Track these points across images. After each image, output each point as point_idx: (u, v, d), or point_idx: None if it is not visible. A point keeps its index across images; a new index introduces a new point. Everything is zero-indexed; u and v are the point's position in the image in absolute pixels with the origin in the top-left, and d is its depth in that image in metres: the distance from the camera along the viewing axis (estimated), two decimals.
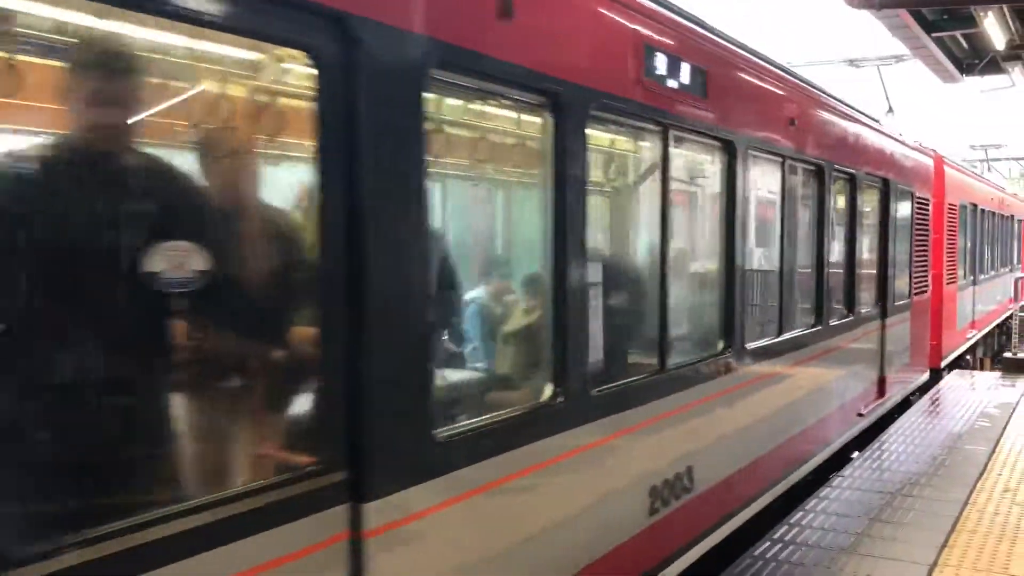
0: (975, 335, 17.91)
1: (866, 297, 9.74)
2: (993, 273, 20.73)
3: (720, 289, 6.18)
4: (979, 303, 18.32)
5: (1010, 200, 24.59)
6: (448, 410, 3.83)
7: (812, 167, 7.96)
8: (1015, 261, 25.52)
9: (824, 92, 8.52)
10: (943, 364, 14.51)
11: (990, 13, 11.99)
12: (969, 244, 17.10)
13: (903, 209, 11.17)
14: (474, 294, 4.93)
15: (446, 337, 4.50)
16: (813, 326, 7.97)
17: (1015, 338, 16.94)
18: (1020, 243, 27.17)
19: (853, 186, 9.06)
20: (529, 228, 4.51)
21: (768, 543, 6.60)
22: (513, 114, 4.67)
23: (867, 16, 12.56)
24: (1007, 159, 46.59)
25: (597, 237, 5.50)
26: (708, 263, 6.44)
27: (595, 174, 5.52)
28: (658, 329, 5.34)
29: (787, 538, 6.70)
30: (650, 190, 5.48)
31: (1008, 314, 21.91)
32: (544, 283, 4.34)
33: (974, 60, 15.69)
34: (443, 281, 4.29)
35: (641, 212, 6.02)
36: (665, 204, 5.35)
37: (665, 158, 5.32)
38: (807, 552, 6.42)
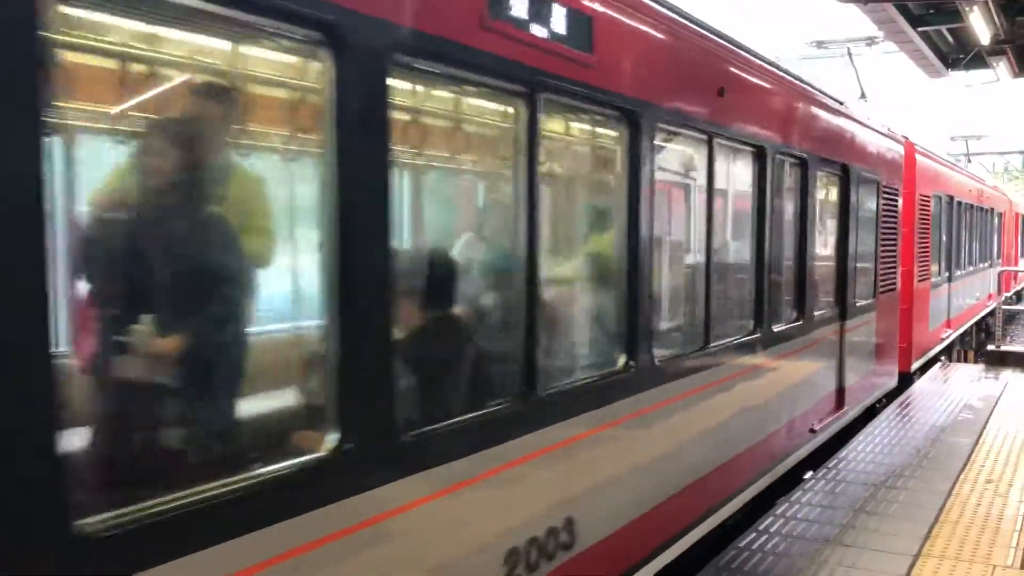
0: (950, 335, 17.02)
1: (821, 297, 8.75)
2: (971, 269, 19.78)
3: (621, 292, 5.11)
4: (955, 301, 17.48)
5: (990, 192, 23.66)
6: None
7: (750, 148, 6.89)
8: (995, 256, 24.48)
9: (766, 60, 7.46)
10: (914, 368, 13.74)
11: (975, 8, 12.03)
12: (944, 238, 16.23)
13: (867, 199, 10.21)
14: None
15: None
16: (751, 333, 6.95)
17: (998, 331, 17.06)
18: (1000, 237, 26.00)
19: (804, 172, 7.97)
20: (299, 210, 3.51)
21: (754, 534, 6.64)
22: (278, 56, 3.46)
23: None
24: (989, 153, 46.82)
25: (410, 235, 4.67)
26: (606, 261, 5.38)
27: (421, 146, 4.74)
28: (525, 341, 4.13)
29: (772, 529, 6.74)
30: (511, 170, 4.22)
31: (988, 311, 21.73)
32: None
33: (959, 55, 15.76)
34: None
35: (495, 200, 5.00)
36: (532, 190, 4.07)
37: (531, 130, 4.07)
38: (792, 543, 6.46)
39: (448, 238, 4.91)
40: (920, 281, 13.86)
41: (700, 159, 6.23)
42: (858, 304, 9.76)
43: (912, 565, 6.01)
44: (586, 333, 5.47)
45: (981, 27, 12.74)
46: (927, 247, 14.35)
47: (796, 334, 7.93)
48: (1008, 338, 20.56)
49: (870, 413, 10.89)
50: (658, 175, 5.41)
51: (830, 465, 8.53)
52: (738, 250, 7.23)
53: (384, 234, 3.19)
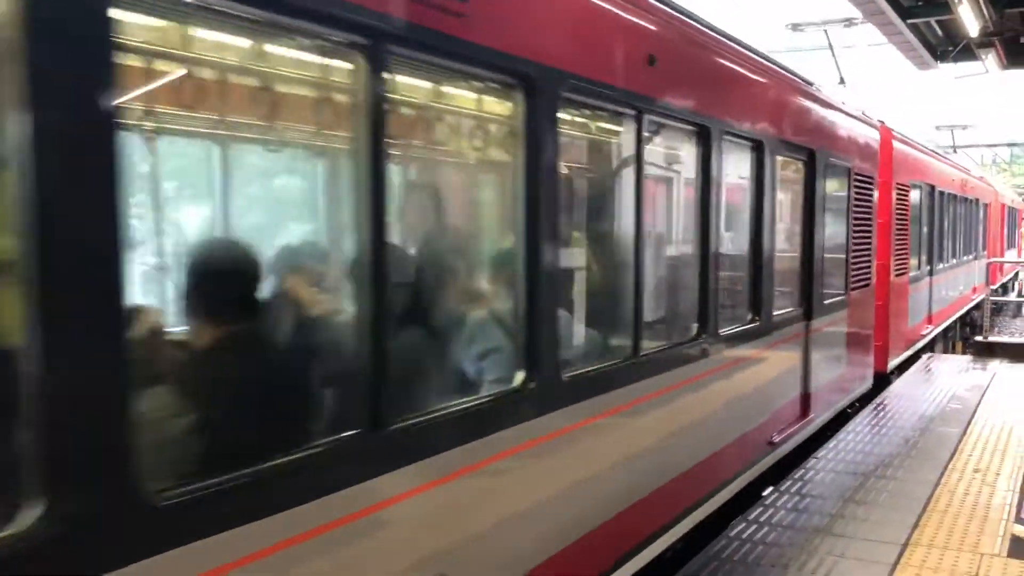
0: (932, 331, 16.23)
1: (781, 295, 7.89)
2: (954, 262, 18.84)
3: (519, 293, 4.22)
4: (937, 295, 16.66)
5: (975, 182, 22.70)
6: None
7: (690, 126, 6.07)
8: (980, 248, 23.51)
9: (712, 27, 6.54)
10: (891, 368, 13.02)
11: (964, 0, 12.07)
12: (925, 230, 15.42)
13: (836, 188, 9.36)
14: None
15: None
16: (693, 339, 6.16)
17: (986, 322, 17.16)
18: (986, 229, 25.00)
19: (760, 156, 7.18)
20: None
21: (744, 524, 6.68)
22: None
23: None
24: (977, 145, 46.99)
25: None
26: (500, 259, 4.66)
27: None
28: (370, 358, 3.28)
29: (762, 519, 6.78)
30: (349, 145, 3.43)
31: (974, 304, 21.37)
32: None
33: (948, 47, 15.80)
34: None
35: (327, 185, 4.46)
36: (377, 174, 3.25)
37: (373, 93, 3.22)
38: (782, 532, 6.50)
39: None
40: (898, 275, 13.11)
41: (627, 138, 5.36)
42: (826, 302, 8.95)
43: (901, 554, 6.06)
44: (473, 347, 4.38)
45: (970, 19, 12.78)
46: (905, 239, 13.54)
47: (750, 337, 7.13)
48: (996, 329, 20.67)
49: (843, 417, 10.27)
50: (569, 157, 4.81)
51: (819, 455, 8.57)
52: (678, 244, 6.53)
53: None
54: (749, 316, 7.17)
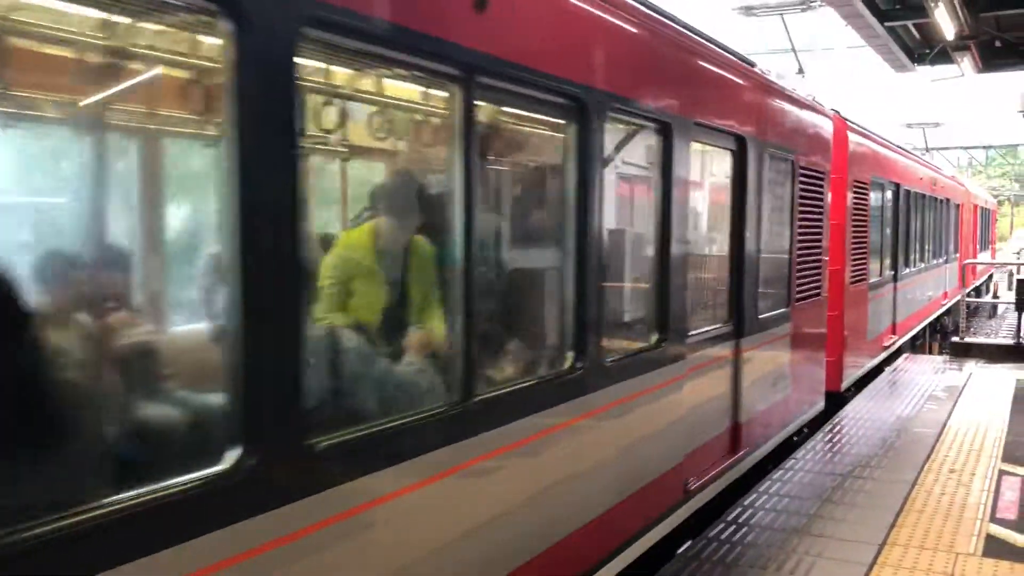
0: (895, 342, 15.01)
1: (700, 311, 6.79)
2: (923, 266, 17.73)
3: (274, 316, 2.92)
4: (903, 303, 15.51)
5: (945, 182, 21.32)
6: None
7: (553, 95, 4.62)
8: (951, 251, 22.28)
9: None
10: (846, 386, 11.73)
11: (940, 4, 12.18)
12: (888, 232, 14.38)
13: (776, 183, 8.02)
14: None
15: None
16: (565, 372, 4.76)
17: (962, 323, 17.33)
18: (958, 231, 23.77)
19: (666, 141, 5.79)
20: None
21: (723, 525, 6.70)
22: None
23: None
24: (954, 148, 47.42)
25: None
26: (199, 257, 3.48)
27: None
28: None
29: (741, 520, 6.81)
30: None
31: (945, 309, 20.83)
32: None
33: (925, 49, 15.94)
34: None
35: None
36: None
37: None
38: (761, 533, 6.53)
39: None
40: (855, 282, 11.99)
41: (452, 108, 3.87)
42: (763, 316, 7.74)
43: (878, 553, 6.10)
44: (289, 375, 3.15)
45: (946, 22, 12.90)
46: (864, 242, 12.35)
47: (653, 364, 5.73)
48: (971, 330, 20.87)
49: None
50: (345, 130, 3.92)
51: (797, 456, 8.62)
52: (542, 249, 5.11)
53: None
54: (654, 337, 5.80)
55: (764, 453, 8.08)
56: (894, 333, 14.98)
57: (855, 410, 10.66)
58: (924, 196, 17.57)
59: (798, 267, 8.65)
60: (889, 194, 14.37)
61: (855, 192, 11.84)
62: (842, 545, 6.28)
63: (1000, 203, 68.83)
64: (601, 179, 4.98)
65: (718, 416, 6.98)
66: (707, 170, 7.09)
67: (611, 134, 5.22)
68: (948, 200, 21.21)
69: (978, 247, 30.26)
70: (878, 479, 7.85)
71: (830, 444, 9.08)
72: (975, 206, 29.31)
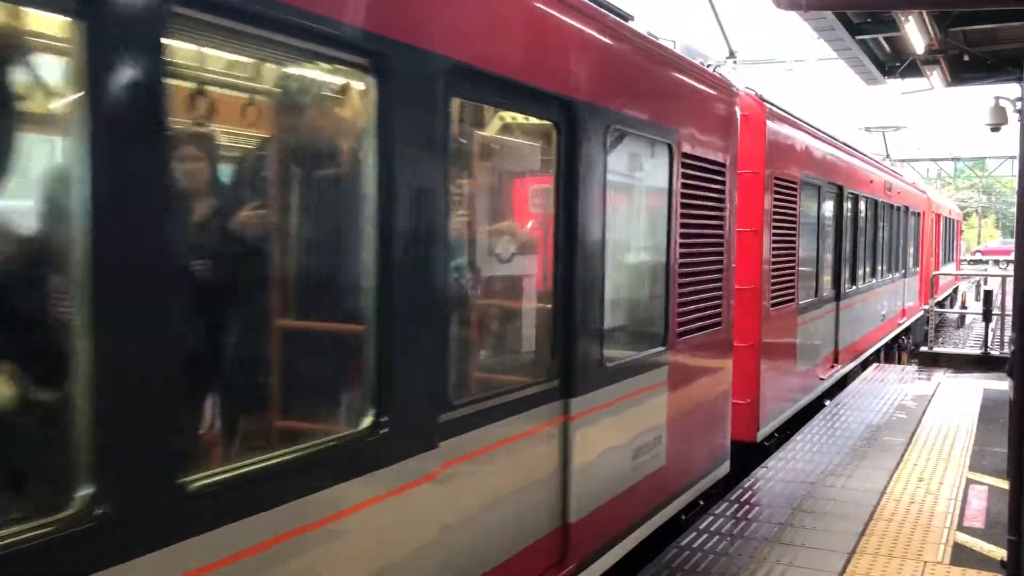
0: (836, 372, 12.82)
1: (481, 365, 4.85)
2: (875, 282, 15.76)
3: None
4: (847, 325, 13.36)
5: (902, 187, 19.09)
6: None
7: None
8: (911, 264, 20.27)
9: None
10: (765, 433, 9.36)
11: (911, 18, 12.34)
12: (829, 242, 12.36)
13: (638, 174, 6.14)
14: None
15: None
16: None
17: (930, 333, 17.54)
18: (918, 242, 21.55)
19: (399, 91, 3.54)
20: None
21: (694, 534, 6.72)
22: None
23: None
24: (923, 159, 48.04)
25: None
26: None
27: None
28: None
29: (712, 528, 6.83)
30: None
31: (903, 329, 19.48)
32: None
33: (896, 63, 16.15)
34: None
35: None
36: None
37: None
38: (732, 542, 6.55)
39: None
40: (778, 304, 9.72)
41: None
42: (614, 364, 5.45)
43: (847, 562, 6.15)
44: None
45: (916, 37, 13.07)
46: (792, 255, 10.16)
47: (357, 467, 3.37)
48: (940, 340, 21.14)
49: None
50: None
51: (768, 465, 8.66)
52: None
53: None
54: (365, 420, 3.45)
55: (619, 556, 5.60)
56: (836, 362, 12.79)
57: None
58: (876, 202, 15.61)
59: (681, 290, 6.37)
60: (829, 198, 12.32)
61: (779, 193, 9.57)
62: (812, 554, 6.32)
63: (968, 215, 69.92)
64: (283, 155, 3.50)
65: (524, 522, 4.62)
66: (483, 149, 4.87)
67: (277, 76, 3.46)
68: (906, 208, 19.19)
69: (941, 259, 27.62)
70: (848, 487, 7.91)
71: (801, 453, 9.14)
72: (938, 216, 26.99)
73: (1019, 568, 3.47)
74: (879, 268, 16.05)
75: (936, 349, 16.94)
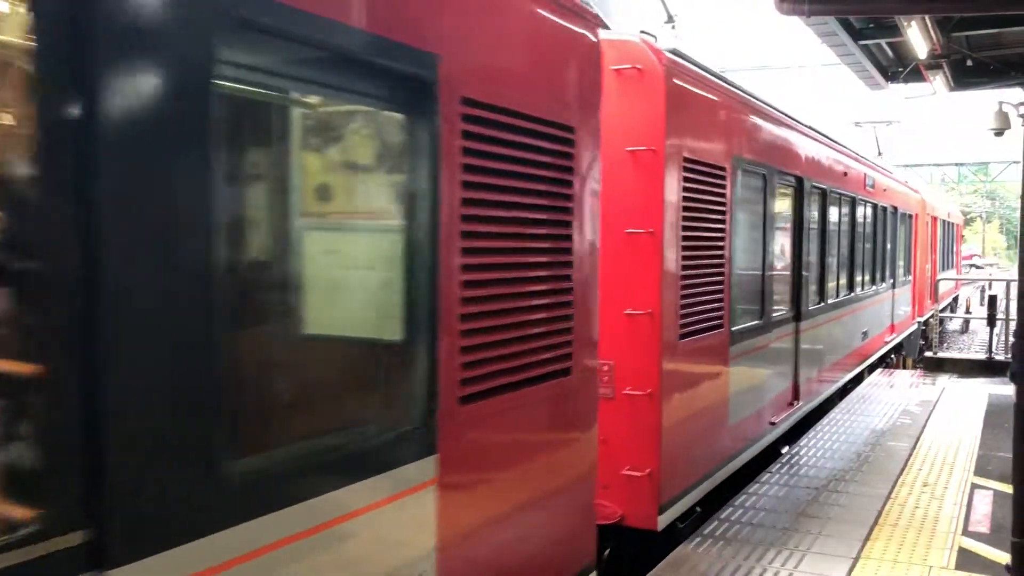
0: (798, 411, 10.02)
1: None
2: (849, 296, 12.80)
3: None
4: (810, 354, 10.48)
5: (889, 184, 16.24)
6: None
7: None
8: (900, 274, 17.61)
9: None
10: (673, 516, 6.69)
11: (913, 23, 12.37)
12: (782, 249, 9.65)
13: (379, 145, 3.79)
14: None
15: None
16: None
17: (935, 338, 17.52)
18: (911, 248, 19.21)
19: None
20: None
21: (699, 539, 6.71)
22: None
23: None
24: (926, 164, 48.03)
25: None
26: None
27: None
28: None
29: (717, 534, 6.82)
30: None
31: (890, 347, 16.99)
32: None
33: (899, 68, 16.18)
34: None
35: None
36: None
37: None
38: (737, 547, 6.54)
39: None
40: (693, 335, 6.97)
41: None
42: (295, 484, 2.92)
43: (852, 567, 6.13)
44: None
45: (919, 41, 13.09)
46: (717, 266, 7.44)
47: None
48: (944, 344, 21.12)
49: None
50: None
51: (772, 470, 8.65)
52: None
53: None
54: None
55: None
56: (796, 398, 9.98)
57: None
58: (854, 200, 12.88)
59: (467, 326, 3.84)
60: (783, 192, 9.49)
61: (694, 182, 6.86)
62: (817, 559, 6.30)
63: (971, 220, 69.87)
64: None
65: None
66: None
67: None
68: (895, 209, 16.65)
69: (938, 267, 24.46)
70: (852, 492, 7.89)
71: (806, 459, 9.13)
72: (934, 218, 23.91)
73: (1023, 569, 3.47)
74: (858, 279, 13.53)
75: (940, 354, 16.93)
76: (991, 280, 26.70)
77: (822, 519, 7.16)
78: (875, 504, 7.54)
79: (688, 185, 6.75)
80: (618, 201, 6.23)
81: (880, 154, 22.14)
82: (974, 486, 8.12)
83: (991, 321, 16.36)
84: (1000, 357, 15.61)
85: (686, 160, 6.71)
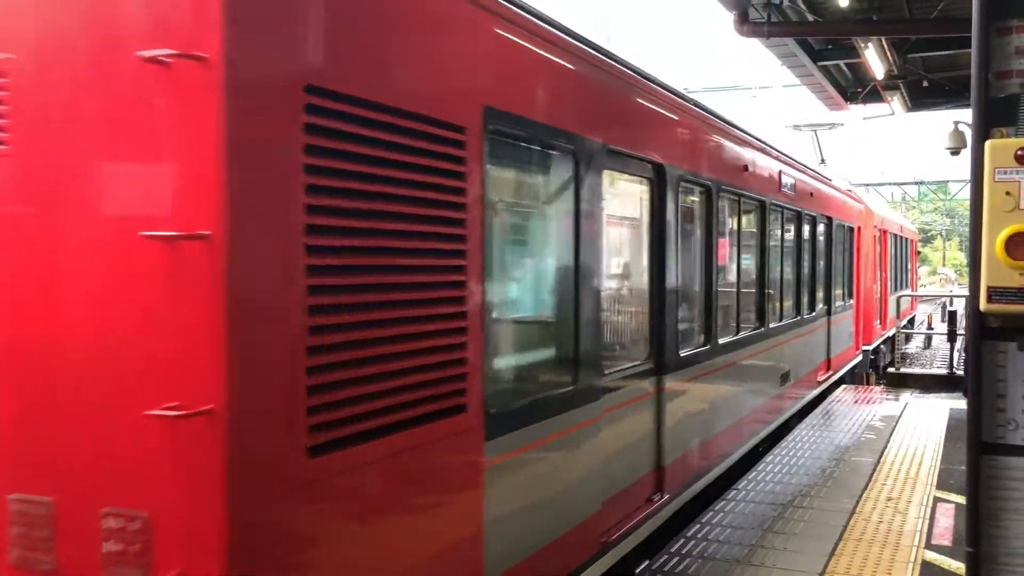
0: (655, 516, 6.63)
1: None
2: (758, 331, 9.70)
3: None
4: (689, 421, 7.43)
5: (821, 189, 13.23)
6: None
7: None
8: (836, 299, 14.64)
9: None
10: None
11: (870, 45, 12.62)
12: (625, 270, 6.93)
13: None
14: None
15: None
16: None
17: (897, 355, 17.75)
18: (853, 267, 16.29)
19: None
20: None
21: (665, 556, 6.71)
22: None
23: None
24: (888, 184, 48.82)
25: None
26: None
27: None
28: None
29: (683, 551, 6.82)
30: None
31: (819, 392, 13.44)
32: None
33: (857, 88, 16.49)
34: None
35: None
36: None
37: None
38: (703, 564, 6.54)
39: None
40: (348, 445, 3.38)
41: None
42: None
43: None
44: None
45: (876, 63, 13.36)
46: (439, 300, 3.97)
47: None
48: (908, 361, 21.39)
49: None
50: None
51: (739, 487, 8.68)
52: None
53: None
54: None
55: None
56: (660, 490, 6.76)
57: None
58: (764, 204, 9.80)
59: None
60: (624, 181, 6.56)
61: (351, 142, 3.44)
62: (783, 575, 6.32)
63: (932, 237, 71.05)
64: None
65: None
66: None
67: None
68: (829, 219, 13.75)
69: (889, 287, 21.76)
70: (818, 508, 7.94)
71: (771, 475, 9.17)
72: (884, 232, 20.89)
73: None
74: (773, 308, 10.42)
75: (903, 370, 17.15)
76: (952, 296, 27.07)
77: (788, 535, 7.19)
78: (840, 519, 7.59)
79: (327, 144, 3.31)
80: (115, 171, 3.09)
81: (823, 162, 19.78)
82: (936, 500, 8.21)
83: (951, 337, 16.61)
84: (961, 372, 15.83)
85: (311, 92, 3.20)
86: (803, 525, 7.43)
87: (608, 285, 6.18)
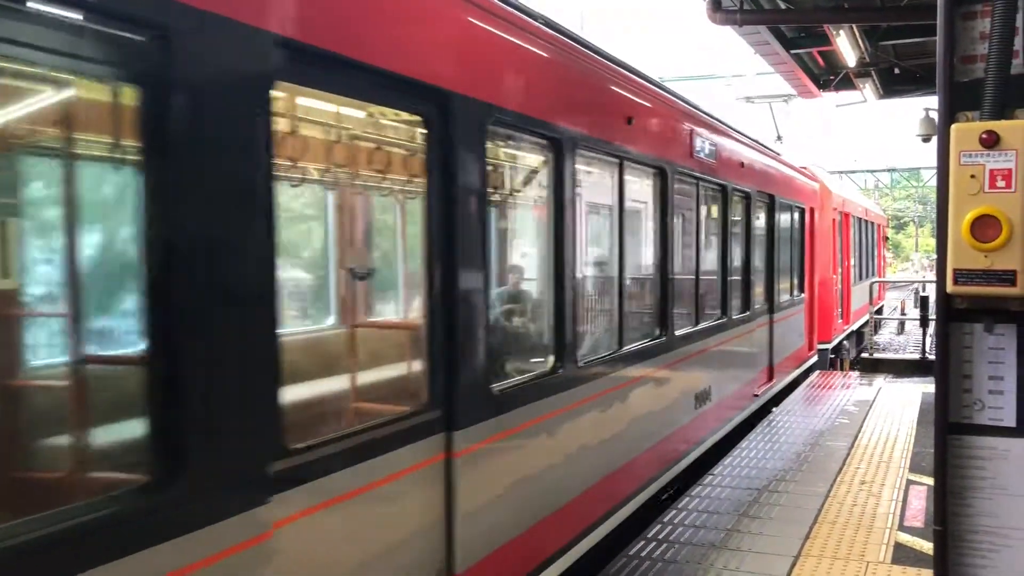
0: None
1: None
2: (658, 342, 7.48)
3: None
4: (565, 466, 5.63)
5: (758, 159, 11.15)
6: None
7: None
8: (785, 293, 12.92)
9: None
10: None
11: (842, 32, 12.70)
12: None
13: None
14: None
15: None
16: None
17: (869, 341, 17.93)
18: (803, 256, 14.27)
19: None
20: None
21: (643, 542, 6.76)
22: None
23: None
24: (861, 171, 49.18)
25: None
26: None
27: None
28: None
29: (660, 536, 6.87)
30: None
31: (747, 415, 10.96)
32: None
33: (830, 76, 16.58)
34: None
35: None
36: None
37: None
38: (680, 549, 6.60)
39: None
40: None
41: None
42: None
43: (793, 565, 6.22)
44: None
45: (848, 50, 13.44)
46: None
47: None
48: (880, 346, 21.61)
49: None
50: None
51: (715, 472, 8.75)
52: None
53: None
54: None
55: None
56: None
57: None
58: (664, 172, 7.46)
59: None
60: (422, 139, 4.27)
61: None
62: (759, 558, 6.38)
63: (905, 224, 71.64)
64: None
65: None
66: None
67: None
68: (771, 198, 11.58)
69: (852, 275, 20.13)
70: (792, 492, 8.02)
71: (746, 460, 9.25)
72: (845, 215, 19.05)
73: (944, 556, 3.59)
74: (677, 311, 7.97)
75: (877, 355, 17.33)
76: (924, 282, 27.35)
77: (763, 519, 7.26)
78: (815, 503, 7.67)
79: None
80: None
81: (779, 138, 18.50)
82: (909, 482, 8.32)
83: (924, 322, 16.80)
84: (933, 357, 15.99)
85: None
86: (778, 509, 7.51)
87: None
